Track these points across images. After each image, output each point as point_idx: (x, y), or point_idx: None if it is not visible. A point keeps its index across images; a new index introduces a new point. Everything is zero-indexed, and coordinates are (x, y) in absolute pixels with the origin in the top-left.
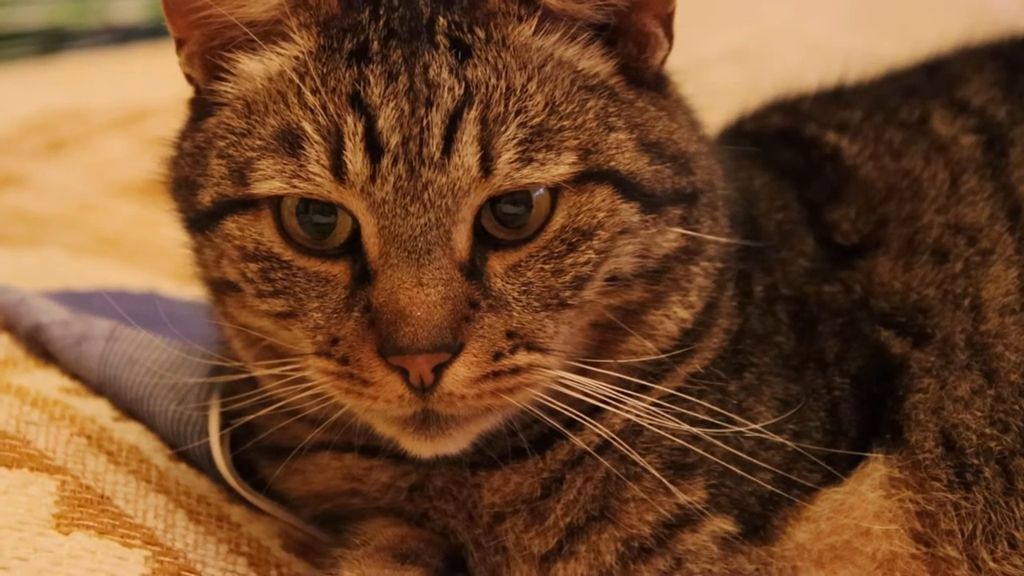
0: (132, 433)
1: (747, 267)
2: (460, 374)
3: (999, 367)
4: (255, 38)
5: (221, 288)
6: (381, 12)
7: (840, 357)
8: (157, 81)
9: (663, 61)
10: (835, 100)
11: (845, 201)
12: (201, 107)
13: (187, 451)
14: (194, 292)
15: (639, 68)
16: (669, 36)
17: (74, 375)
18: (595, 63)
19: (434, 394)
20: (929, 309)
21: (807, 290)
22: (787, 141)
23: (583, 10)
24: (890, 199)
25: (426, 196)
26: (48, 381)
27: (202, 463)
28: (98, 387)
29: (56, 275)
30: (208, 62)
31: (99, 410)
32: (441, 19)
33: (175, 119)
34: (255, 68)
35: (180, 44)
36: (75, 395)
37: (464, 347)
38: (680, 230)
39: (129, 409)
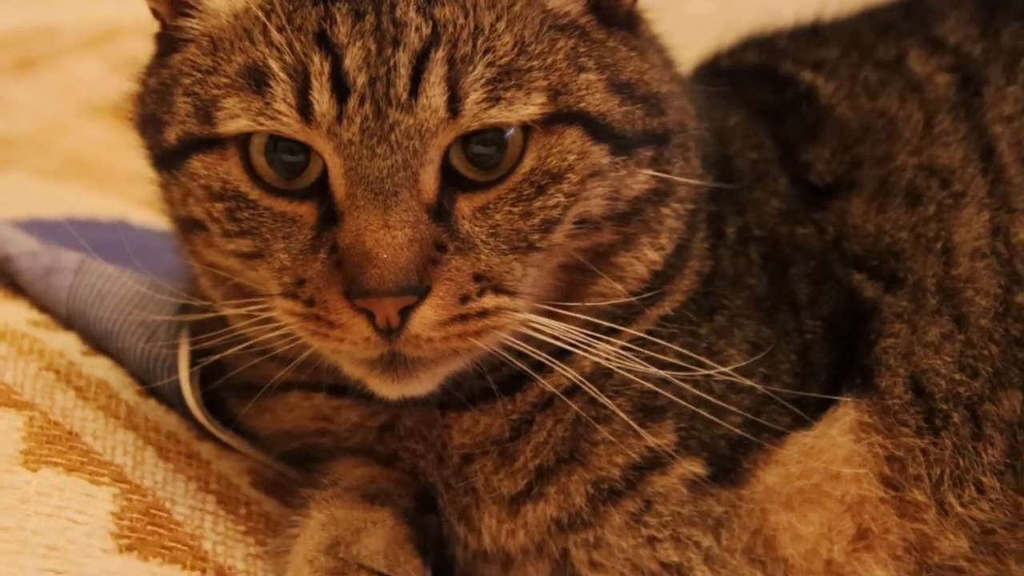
0: (101, 368)
1: (719, 208)
2: (427, 317)
3: (969, 312)
4: None
5: (188, 227)
6: None
7: (812, 300)
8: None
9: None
10: (812, 37)
11: (820, 141)
12: (167, 43)
13: (156, 387)
14: (163, 222)
15: (610, 7)
16: None
17: (42, 308)
18: (565, 2)
19: (401, 337)
20: (902, 253)
21: (780, 231)
22: (762, 79)
23: None
24: (865, 140)
25: (393, 137)
26: (16, 313)
27: (171, 399)
28: (66, 320)
29: (24, 201)
30: (173, 6)
31: (68, 344)
32: None
33: (146, 39)
34: (220, 4)
35: None
36: (44, 328)
37: (431, 290)
38: (651, 172)
39: (98, 344)
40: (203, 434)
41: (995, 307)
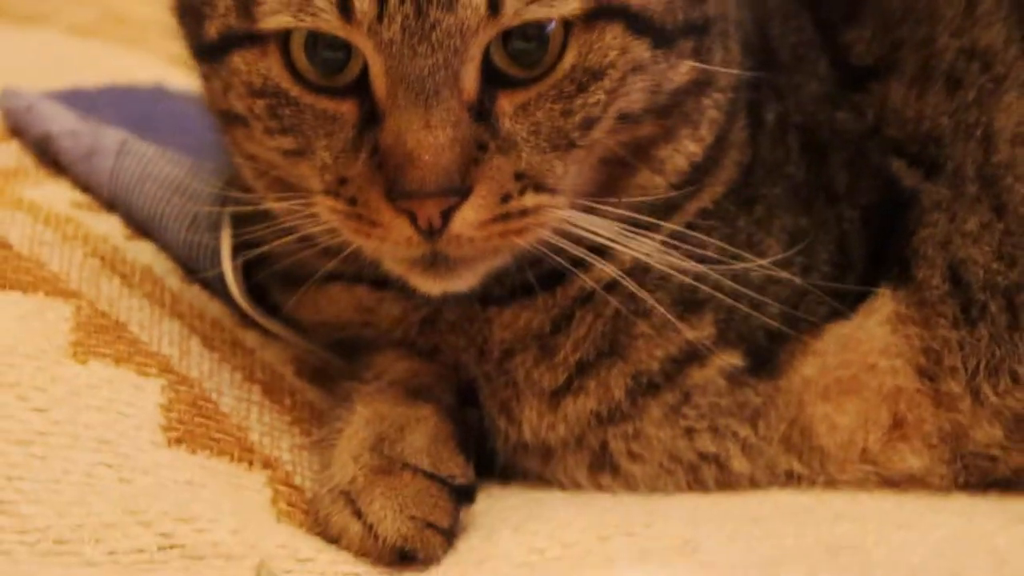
0: (145, 253)
1: (759, 95)
2: (468, 217)
3: (1008, 200)
4: None
5: (229, 119)
6: None
7: (850, 189)
8: None
9: None
10: None
11: (860, 22)
12: None
13: (200, 276)
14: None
15: None
16: None
17: (85, 188)
18: None
19: (443, 237)
20: (941, 139)
21: (819, 117)
22: None
23: None
24: (905, 21)
25: (434, 37)
26: (60, 195)
27: (215, 286)
28: (109, 203)
29: (59, 61)
30: None
31: (111, 228)
32: None
33: None
34: None
35: None
36: (87, 210)
37: (472, 190)
38: (691, 63)
39: (140, 227)
40: (247, 322)
41: None
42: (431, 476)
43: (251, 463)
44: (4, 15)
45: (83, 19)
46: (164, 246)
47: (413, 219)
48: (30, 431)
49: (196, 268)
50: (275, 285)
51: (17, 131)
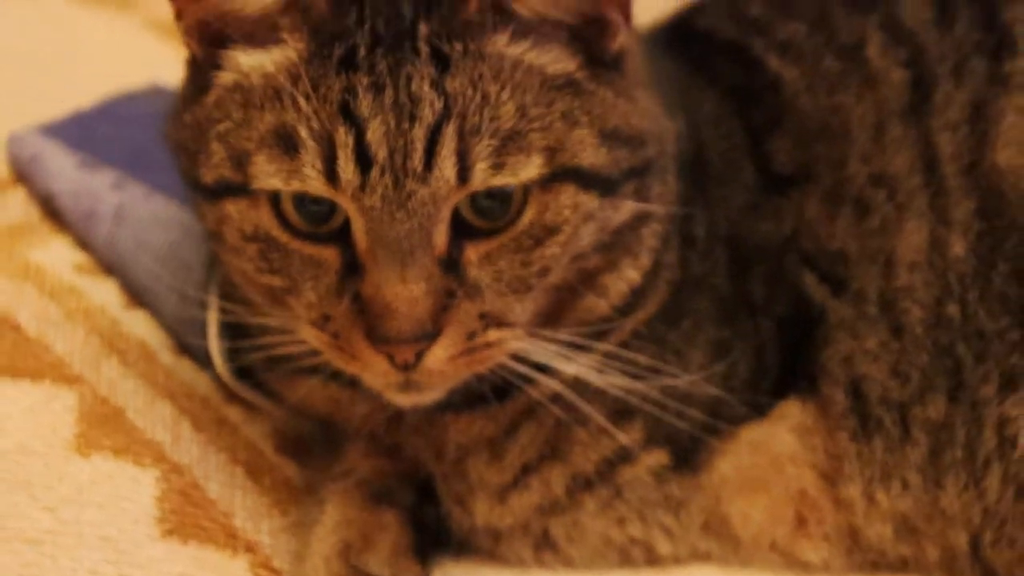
0: (140, 324)
1: (689, 223)
2: (439, 355)
3: (905, 322)
4: (243, 41)
5: (223, 246)
6: (366, 14)
7: (767, 301)
8: None
9: (623, 43)
10: (783, 6)
11: (782, 132)
12: (201, 78)
13: (190, 347)
14: None
15: (599, 52)
16: (628, 19)
17: (85, 248)
18: (564, 65)
19: (415, 371)
20: (848, 259)
21: (744, 229)
22: (734, 58)
23: (554, 16)
24: (822, 138)
25: (410, 205)
26: (63, 256)
27: (203, 360)
28: (107, 268)
29: (51, 31)
30: (206, 49)
31: (109, 296)
32: (422, 25)
33: None
34: (251, 65)
35: (179, 15)
36: (87, 274)
37: (443, 332)
38: (632, 203)
39: (136, 295)
40: (231, 396)
41: (928, 318)
42: None
43: (235, 549)
44: None
45: None
46: (157, 313)
47: (391, 358)
48: (40, 530)
49: (186, 341)
50: (260, 363)
51: (23, 178)
